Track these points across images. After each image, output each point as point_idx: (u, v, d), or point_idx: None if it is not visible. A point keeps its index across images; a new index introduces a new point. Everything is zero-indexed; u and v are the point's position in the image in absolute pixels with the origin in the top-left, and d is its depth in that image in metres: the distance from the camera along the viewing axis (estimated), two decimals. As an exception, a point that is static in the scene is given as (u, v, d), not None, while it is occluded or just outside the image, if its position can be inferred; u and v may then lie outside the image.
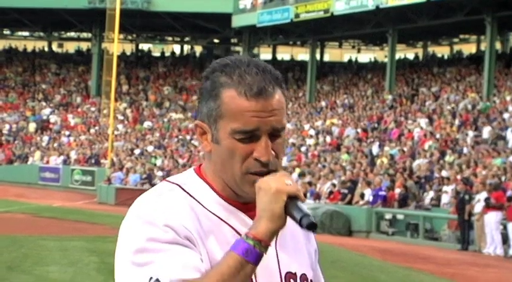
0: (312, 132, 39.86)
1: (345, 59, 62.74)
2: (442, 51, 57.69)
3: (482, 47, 50.04)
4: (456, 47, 58.19)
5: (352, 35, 53.29)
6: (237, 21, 48.54)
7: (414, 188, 27.08)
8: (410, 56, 57.73)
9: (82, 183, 43.23)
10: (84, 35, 61.56)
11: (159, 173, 37.42)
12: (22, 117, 53.85)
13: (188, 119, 50.13)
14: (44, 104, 55.44)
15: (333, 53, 66.92)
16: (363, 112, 40.75)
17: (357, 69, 53.89)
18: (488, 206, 22.48)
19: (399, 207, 26.59)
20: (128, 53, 62.12)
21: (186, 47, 64.94)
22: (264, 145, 2.19)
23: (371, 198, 27.13)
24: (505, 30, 47.20)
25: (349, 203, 27.87)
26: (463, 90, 39.00)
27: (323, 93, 48.95)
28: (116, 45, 44.08)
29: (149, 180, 36.65)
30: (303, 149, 36.81)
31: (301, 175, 31.15)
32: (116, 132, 46.89)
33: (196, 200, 2.24)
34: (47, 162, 46.90)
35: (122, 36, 52.48)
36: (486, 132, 31.06)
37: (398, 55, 51.50)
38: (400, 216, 26.37)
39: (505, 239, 22.40)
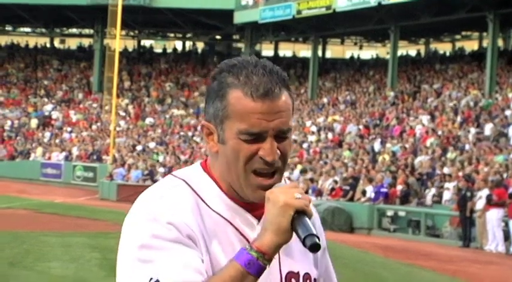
0: (314, 128, 39.87)
1: (347, 55, 62.67)
2: (444, 48, 57.59)
3: (485, 44, 50.02)
4: (458, 44, 58.09)
5: (354, 32, 53.23)
6: (239, 18, 48.49)
7: (416, 185, 27.05)
8: (413, 52, 57.66)
9: (84, 180, 43.20)
10: (86, 31, 61.50)
11: (161, 169, 37.43)
12: (24, 113, 53.83)
13: (190, 115, 50.13)
14: (46, 100, 55.42)
15: (334, 50, 66.83)
16: (364, 109, 40.72)
17: (359, 66, 53.86)
18: (490, 203, 22.44)
19: (401, 204, 26.58)
20: (130, 49, 62.05)
21: (188, 43, 64.86)
22: (270, 146, 2.19)
23: (373, 195, 27.12)
24: (507, 27, 47.11)
25: (351, 199, 27.87)
26: (465, 87, 38.96)
27: (325, 90, 48.91)
28: (118, 41, 44.10)
29: (151, 176, 36.65)
30: (305, 145, 36.82)
31: (303, 172, 31.16)
32: (117, 129, 46.89)
33: (200, 198, 2.24)
34: (49, 158, 46.88)
35: (123, 32, 52.45)
36: (488, 129, 31.02)
37: (401, 52, 51.47)
38: (401, 213, 26.36)
39: (506, 236, 22.38)
